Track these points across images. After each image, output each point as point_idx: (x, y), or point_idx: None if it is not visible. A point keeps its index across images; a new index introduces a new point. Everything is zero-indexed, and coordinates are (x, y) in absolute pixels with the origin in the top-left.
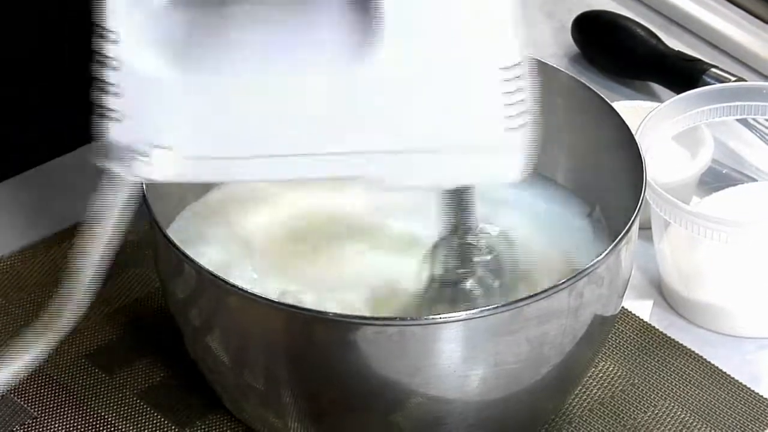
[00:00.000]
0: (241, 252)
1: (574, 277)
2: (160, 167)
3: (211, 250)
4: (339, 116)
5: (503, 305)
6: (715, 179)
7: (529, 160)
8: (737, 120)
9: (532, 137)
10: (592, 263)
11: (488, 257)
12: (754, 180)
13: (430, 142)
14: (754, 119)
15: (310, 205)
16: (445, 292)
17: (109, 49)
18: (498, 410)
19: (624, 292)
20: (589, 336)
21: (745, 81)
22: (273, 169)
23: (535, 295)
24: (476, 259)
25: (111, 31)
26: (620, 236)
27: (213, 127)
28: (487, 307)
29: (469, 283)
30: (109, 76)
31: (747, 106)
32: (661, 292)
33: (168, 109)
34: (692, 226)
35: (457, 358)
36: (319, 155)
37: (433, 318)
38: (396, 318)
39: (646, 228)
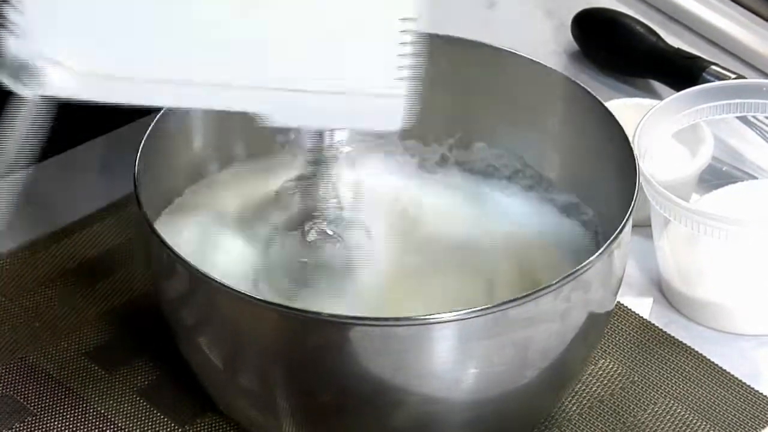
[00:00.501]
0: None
1: (562, 280)
2: (56, 83)
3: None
4: (231, 46)
5: (491, 307)
6: (715, 177)
7: (408, 112)
8: (737, 118)
9: (413, 91)
10: (580, 267)
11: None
12: (755, 178)
13: (321, 83)
14: (753, 116)
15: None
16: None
17: None
18: (492, 409)
19: (617, 291)
20: (582, 335)
21: (745, 78)
22: (166, 95)
23: (522, 297)
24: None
25: None
26: (610, 240)
27: (112, 46)
28: (476, 309)
29: (311, 225)
30: None
31: (747, 104)
32: (661, 289)
33: (67, 25)
34: (692, 224)
35: (448, 358)
36: (213, 86)
37: (425, 318)
38: (388, 318)
39: (646, 225)
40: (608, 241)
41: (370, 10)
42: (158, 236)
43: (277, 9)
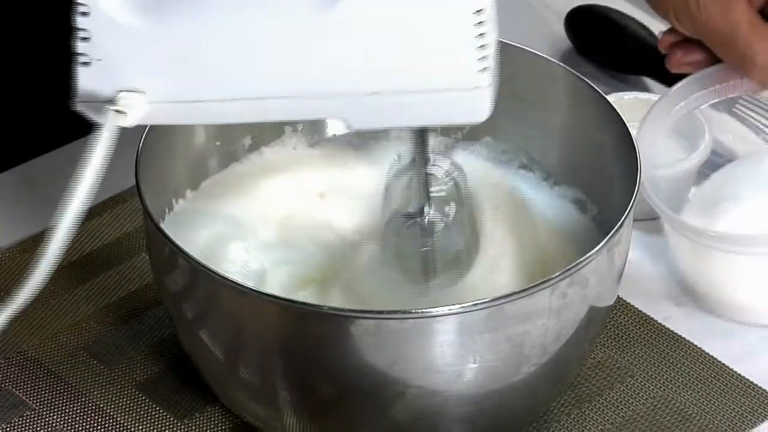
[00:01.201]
0: (232, 235)
1: (559, 275)
2: (128, 112)
3: (202, 236)
4: (307, 59)
5: (489, 301)
6: (713, 170)
7: (494, 102)
8: (731, 114)
9: (496, 79)
10: (577, 262)
11: (444, 187)
12: None
13: (400, 83)
14: (743, 111)
15: (297, 187)
16: (405, 226)
17: None
18: (492, 402)
19: (617, 286)
20: (582, 329)
21: None
22: (242, 111)
23: (519, 292)
24: (434, 188)
25: None
26: (609, 236)
27: (182, 71)
28: (473, 302)
29: (428, 214)
30: (80, 21)
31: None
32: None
33: (136, 54)
34: (693, 242)
35: (447, 352)
36: (288, 98)
37: (423, 312)
38: (390, 311)
39: (648, 219)
40: (607, 237)
41: (442, 7)
42: (159, 228)
43: (349, 14)
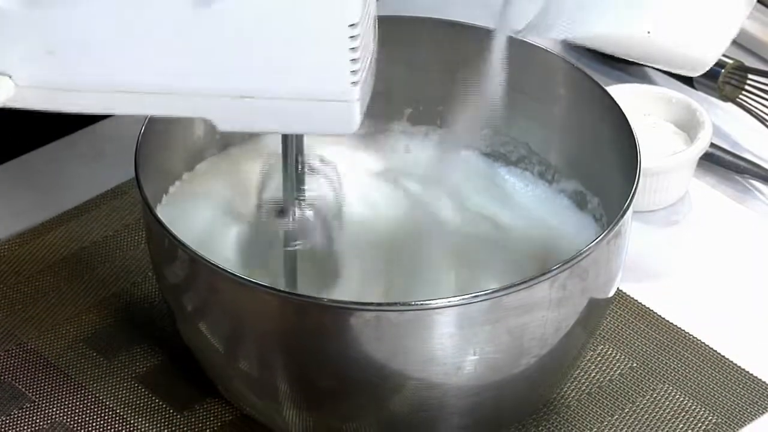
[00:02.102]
0: (228, 218)
1: (557, 267)
2: (3, 95)
3: (198, 221)
4: (177, 55)
5: (488, 293)
6: (713, 161)
7: (362, 114)
8: (736, 104)
9: (369, 93)
10: (576, 255)
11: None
12: (752, 163)
13: (270, 89)
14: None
15: None
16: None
17: None
18: (491, 395)
19: (617, 279)
20: (581, 322)
21: (742, 63)
22: (107, 103)
23: (518, 284)
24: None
25: None
26: (608, 229)
27: (50, 58)
28: (472, 294)
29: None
30: None
31: None
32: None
33: (6, 37)
34: None
35: (446, 344)
36: (156, 93)
37: (422, 304)
38: (389, 303)
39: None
40: (606, 230)
41: (318, 17)
42: (159, 221)
43: (226, 15)
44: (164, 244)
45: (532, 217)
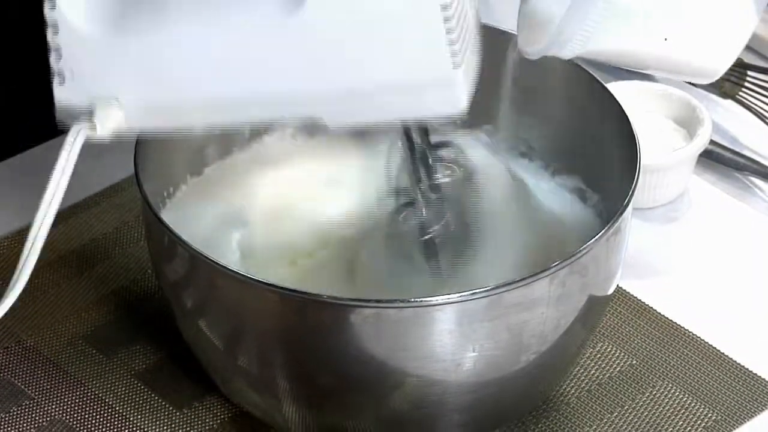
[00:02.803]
0: (231, 224)
1: (557, 264)
2: (106, 122)
3: (201, 225)
4: (277, 62)
5: (488, 289)
6: (712, 158)
7: (471, 94)
8: (735, 101)
9: (474, 70)
10: (576, 251)
11: (446, 174)
12: (752, 160)
13: (372, 81)
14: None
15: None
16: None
17: (48, 13)
18: (491, 392)
19: (617, 275)
20: (581, 319)
21: (741, 60)
22: (216, 117)
23: (518, 281)
24: (436, 176)
25: None
26: (608, 226)
27: (153, 79)
28: (472, 291)
29: (424, 204)
30: (51, 39)
31: None
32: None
33: (108, 66)
34: None
35: (446, 341)
36: (261, 102)
37: (421, 300)
38: (389, 300)
39: (648, 208)
40: (606, 227)
41: (409, 3)
42: (159, 218)
43: (316, 17)
44: (164, 241)
45: (534, 213)
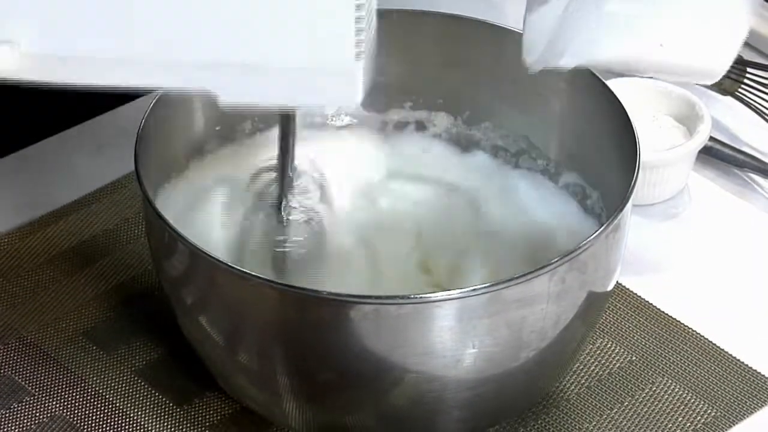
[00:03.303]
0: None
1: (557, 261)
2: (2, 65)
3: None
4: (183, 25)
5: (488, 286)
6: (712, 155)
7: (367, 89)
8: (735, 97)
9: (370, 66)
10: (575, 248)
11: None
12: (751, 156)
13: (275, 60)
14: (750, 95)
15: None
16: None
17: None
18: (491, 388)
19: (616, 272)
20: (580, 315)
21: (741, 56)
22: (113, 74)
23: (517, 277)
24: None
25: None
26: (607, 222)
27: (54, 23)
28: (472, 288)
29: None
30: None
31: None
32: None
33: (7, 9)
34: None
35: (446, 337)
36: (156, 64)
37: (422, 297)
38: (389, 296)
39: (648, 204)
40: (605, 224)
41: None
42: (159, 214)
43: None
44: (164, 237)
45: (532, 209)
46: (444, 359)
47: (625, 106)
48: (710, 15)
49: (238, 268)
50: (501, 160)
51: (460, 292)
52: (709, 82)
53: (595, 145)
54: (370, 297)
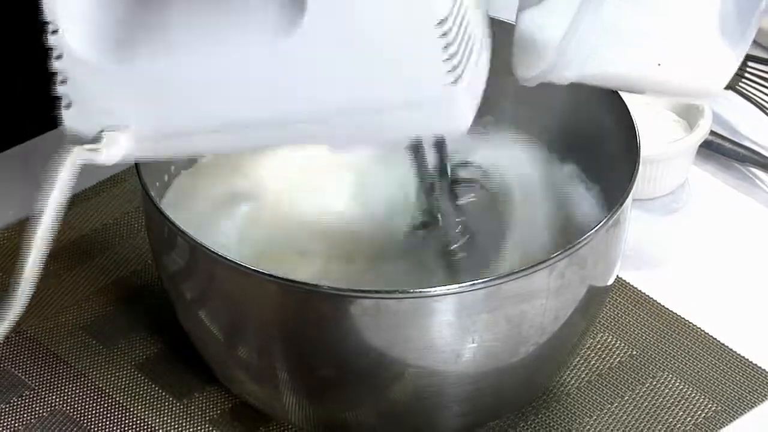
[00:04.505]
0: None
1: (556, 255)
2: (113, 150)
3: (200, 212)
4: (279, 85)
5: (487, 281)
6: (712, 149)
7: (476, 106)
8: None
9: (479, 84)
10: (574, 243)
11: (469, 194)
12: (751, 151)
13: (372, 100)
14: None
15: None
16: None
17: (51, 39)
18: (491, 382)
19: (616, 266)
20: (580, 310)
21: None
22: (222, 142)
23: (517, 272)
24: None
25: (50, 22)
26: (607, 217)
27: (159, 106)
28: (471, 282)
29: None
30: (55, 64)
31: None
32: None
33: (113, 93)
34: None
35: (445, 332)
36: (266, 126)
37: (421, 291)
38: (389, 290)
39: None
40: (605, 218)
41: (403, 18)
42: (159, 209)
43: (312, 36)
44: (164, 232)
45: (537, 202)
46: (443, 354)
47: (625, 101)
48: (707, 36)
49: (238, 261)
50: (502, 153)
51: (460, 287)
52: (705, 102)
53: (596, 140)
54: (369, 291)
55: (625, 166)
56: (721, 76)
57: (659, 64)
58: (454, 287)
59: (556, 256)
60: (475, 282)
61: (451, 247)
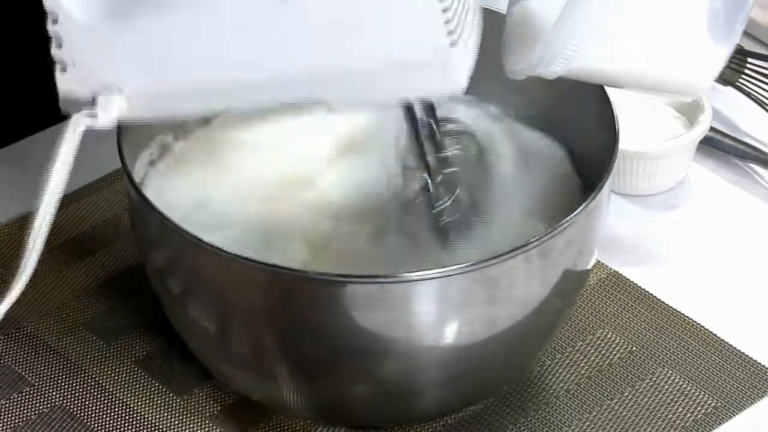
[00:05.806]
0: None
1: (535, 240)
2: (108, 111)
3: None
4: (277, 44)
5: (469, 265)
6: (712, 145)
7: (470, 70)
8: (735, 88)
9: (473, 45)
10: (552, 229)
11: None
12: (751, 146)
13: (370, 60)
14: (750, 85)
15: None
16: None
17: (47, 3)
18: (473, 363)
19: (594, 251)
20: (559, 294)
21: (741, 47)
22: (217, 101)
23: (497, 256)
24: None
25: None
26: (585, 203)
27: (155, 67)
28: (453, 267)
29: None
30: (50, 27)
31: None
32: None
33: (109, 55)
34: None
35: (429, 314)
36: (263, 85)
37: (407, 275)
38: (375, 276)
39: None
40: (583, 205)
41: None
42: (144, 197)
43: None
44: (150, 222)
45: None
46: (427, 336)
47: (624, 97)
48: (694, 34)
49: (224, 249)
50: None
51: (440, 272)
52: (689, 100)
53: (579, 130)
54: (352, 276)
55: (606, 155)
56: (709, 73)
57: (647, 61)
58: (434, 272)
59: (534, 241)
60: (455, 267)
61: (437, 205)
